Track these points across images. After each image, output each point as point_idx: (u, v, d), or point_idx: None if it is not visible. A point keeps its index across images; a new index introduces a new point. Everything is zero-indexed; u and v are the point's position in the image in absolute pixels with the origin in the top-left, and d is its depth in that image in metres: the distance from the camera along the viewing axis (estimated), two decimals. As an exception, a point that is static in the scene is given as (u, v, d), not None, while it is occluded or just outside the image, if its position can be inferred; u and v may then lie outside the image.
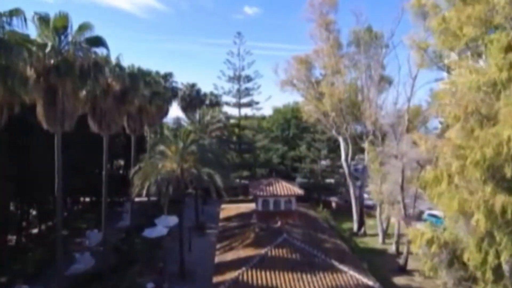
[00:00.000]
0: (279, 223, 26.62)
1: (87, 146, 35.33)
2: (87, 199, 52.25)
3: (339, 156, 50.04)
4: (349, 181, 37.23)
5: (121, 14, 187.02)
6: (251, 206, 33.06)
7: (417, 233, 16.44)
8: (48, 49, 17.22)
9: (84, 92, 23.64)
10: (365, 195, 48.17)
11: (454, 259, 16.03)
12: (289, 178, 50.48)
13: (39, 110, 18.38)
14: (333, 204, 50.10)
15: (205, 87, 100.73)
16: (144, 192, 26.24)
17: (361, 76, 37.57)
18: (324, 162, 49.90)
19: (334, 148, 48.76)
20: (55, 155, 19.54)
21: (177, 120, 75.92)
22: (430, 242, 15.97)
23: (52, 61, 17.75)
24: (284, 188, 28.66)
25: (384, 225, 35.52)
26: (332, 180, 49.91)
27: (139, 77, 27.92)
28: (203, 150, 28.65)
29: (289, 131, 61.21)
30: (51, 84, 17.69)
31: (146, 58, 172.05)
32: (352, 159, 61.82)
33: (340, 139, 37.69)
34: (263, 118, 60.73)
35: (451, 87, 17.58)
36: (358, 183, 41.95)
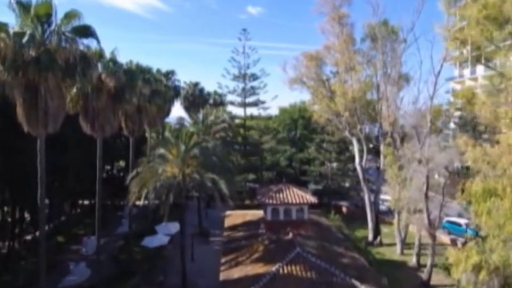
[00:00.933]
0: (290, 235, 24.12)
1: (86, 147, 33.47)
2: (87, 202, 50.04)
3: (350, 159, 47.59)
4: (364, 186, 34.60)
5: (124, 15, 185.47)
6: (259, 213, 30.54)
7: (460, 256, 13.78)
8: (25, 38, 14.77)
9: (74, 90, 21.33)
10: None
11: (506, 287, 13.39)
12: (298, 182, 47.89)
13: (19, 110, 15.94)
14: (344, 209, 47.51)
15: (209, 87, 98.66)
16: (142, 200, 23.82)
17: (376, 73, 34.93)
18: (334, 165, 47.19)
19: (344, 150, 46.19)
20: (38, 160, 17.08)
21: (180, 120, 73.59)
22: (477, 268, 13.33)
23: (32, 53, 15.29)
24: (296, 195, 26.08)
25: (403, 234, 32.85)
26: (344, 184, 47.22)
27: (136, 73, 25.44)
28: (207, 154, 26.13)
29: (296, 132, 58.68)
30: (31, 80, 15.24)
31: (150, 58, 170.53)
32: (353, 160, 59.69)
33: (354, 141, 35.06)
34: (270, 118, 58.14)
35: (495, 83, 14.89)
36: (372, 186, 39.30)
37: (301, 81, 38.20)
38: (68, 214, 48.97)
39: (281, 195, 26.11)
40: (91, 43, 17.49)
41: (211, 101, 67.04)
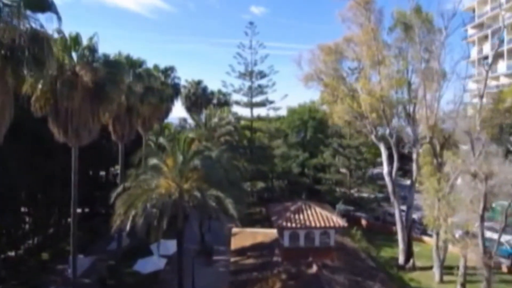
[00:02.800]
0: (314, 267, 19.25)
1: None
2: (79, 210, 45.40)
3: (370, 165, 42.75)
4: (394, 201, 29.56)
5: (128, 15, 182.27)
6: (271, 233, 25.65)
7: None
8: None
9: (39, 86, 16.50)
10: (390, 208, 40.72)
11: None
12: (312, 192, 42.99)
13: None
14: (363, 222, 42.52)
15: (213, 86, 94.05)
16: (128, 224, 18.98)
17: (407, 67, 29.93)
18: (353, 173, 42.08)
19: (364, 156, 41.24)
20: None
21: (182, 121, 68.66)
22: None
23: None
24: (320, 217, 21.12)
25: (441, 256, 27.79)
26: (363, 194, 42.17)
27: (121, 66, 20.54)
28: (210, 165, 21.23)
29: (306, 134, 53.78)
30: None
31: (153, 58, 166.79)
32: (374, 166, 54.34)
33: (382, 147, 30.06)
34: (279, 119, 53.20)
35: None
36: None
37: (318, 78, 33.21)
38: (57, 225, 44.65)
39: (301, 216, 21.18)
40: (50, 23, 12.55)
41: (214, 100, 62.36)
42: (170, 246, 30.06)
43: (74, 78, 17.37)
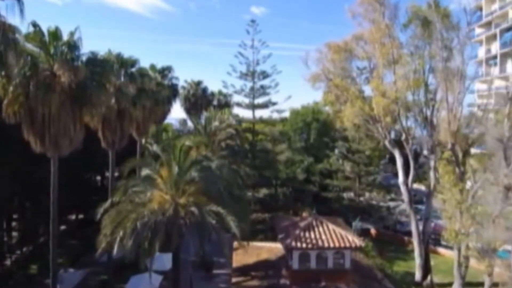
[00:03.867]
0: (328, 295, 16.85)
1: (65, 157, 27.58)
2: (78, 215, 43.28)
3: (380, 170, 40.38)
4: (410, 212, 27.14)
5: (128, 15, 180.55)
6: (276, 248, 23.32)
7: None
8: None
9: (10, 88, 14.12)
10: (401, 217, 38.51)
11: None
12: (318, 199, 40.56)
13: None
14: (372, 231, 40.12)
15: (213, 87, 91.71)
16: (115, 246, 16.59)
17: (424, 67, 27.52)
18: (362, 179, 39.54)
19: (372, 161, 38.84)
20: None
21: (183, 122, 66.16)
22: None
23: None
24: (333, 235, 18.71)
25: (462, 273, 25.36)
26: (372, 202, 39.72)
27: (107, 65, 18.06)
28: (209, 177, 18.80)
29: (309, 137, 51.35)
30: None
31: (153, 59, 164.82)
32: (385, 171, 51.91)
33: (396, 154, 27.63)
34: (281, 121, 50.80)
35: None
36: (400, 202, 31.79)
37: (327, 78, 30.78)
38: (48, 233, 42.38)
39: (312, 234, 18.76)
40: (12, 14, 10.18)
41: (215, 102, 59.82)
42: (166, 260, 27.49)
43: (51, 79, 14.97)
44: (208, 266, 31.58)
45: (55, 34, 15.82)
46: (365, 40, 31.33)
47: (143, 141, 41.29)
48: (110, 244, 17.17)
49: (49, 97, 14.72)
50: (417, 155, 27.68)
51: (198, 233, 17.86)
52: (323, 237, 18.60)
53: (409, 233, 38.92)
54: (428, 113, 27.52)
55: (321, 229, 19.12)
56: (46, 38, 15.96)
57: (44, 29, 15.74)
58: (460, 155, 24.13)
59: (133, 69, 23.57)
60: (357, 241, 18.50)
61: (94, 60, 16.51)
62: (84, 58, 16.12)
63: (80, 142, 16.57)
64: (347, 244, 18.29)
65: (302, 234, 18.76)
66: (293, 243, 18.30)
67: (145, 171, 19.94)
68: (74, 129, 15.69)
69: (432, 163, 27.21)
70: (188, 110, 57.24)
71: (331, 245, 18.21)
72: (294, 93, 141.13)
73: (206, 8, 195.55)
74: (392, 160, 69.13)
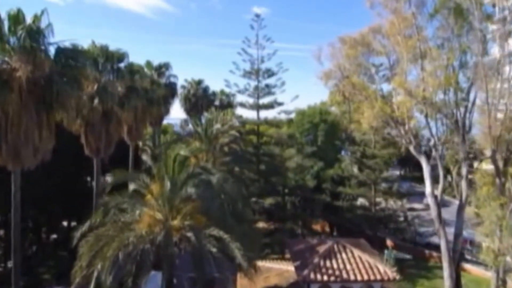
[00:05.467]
0: None
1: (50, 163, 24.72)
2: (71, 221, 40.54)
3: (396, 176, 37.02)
4: (440, 228, 23.68)
5: (130, 16, 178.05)
6: (287, 271, 20.00)
7: None
8: None
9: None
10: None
11: None
12: (329, 209, 37.33)
13: None
14: (389, 243, 36.79)
15: (215, 87, 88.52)
16: (93, 283, 13.35)
17: (452, 62, 24.11)
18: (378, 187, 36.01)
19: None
20: None
21: (184, 123, 62.80)
22: None
23: None
24: (360, 264, 15.39)
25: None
26: (390, 212, 36.30)
27: (82, 57, 14.56)
28: (209, 193, 15.54)
29: (316, 139, 48.13)
30: None
31: (154, 60, 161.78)
32: (404, 178, 48.51)
33: (423, 161, 24.23)
34: (287, 122, 47.62)
35: None
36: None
37: (342, 75, 27.41)
38: (37, 243, 39.44)
39: (334, 263, 15.43)
40: None
41: (217, 102, 56.66)
42: (161, 280, 24.31)
43: (9, 74, 11.70)
44: (209, 285, 28.29)
45: (17, 18, 12.54)
46: (382, 34, 28.16)
47: (141, 144, 38.17)
48: (86, 279, 14.00)
49: (6, 96, 11.46)
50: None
51: (194, 265, 14.62)
52: (348, 266, 15.29)
53: (429, 246, 35.63)
54: (458, 115, 24.13)
55: (344, 256, 15.80)
56: (6, 23, 12.70)
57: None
58: (501, 164, 20.77)
59: (121, 65, 20.27)
60: (389, 272, 15.15)
61: (65, 52, 13.21)
62: (52, 49, 12.85)
63: (49, 152, 13.26)
64: (378, 276, 14.96)
65: (322, 263, 15.44)
66: (312, 275, 14.97)
67: (131, 187, 16.73)
68: (40, 136, 12.44)
69: (464, 172, 23.84)
70: (188, 111, 53.97)
71: (358, 277, 14.90)
72: (299, 94, 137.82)
73: (207, 8, 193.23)
74: (401, 163, 65.32)
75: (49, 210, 35.12)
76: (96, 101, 17.84)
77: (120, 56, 19.96)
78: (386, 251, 25.63)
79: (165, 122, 53.83)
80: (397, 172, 57.28)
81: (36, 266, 34.85)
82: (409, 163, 59.74)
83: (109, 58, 19.25)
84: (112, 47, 19.41)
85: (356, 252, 15.97)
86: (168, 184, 15.02)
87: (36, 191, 28.90)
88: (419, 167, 58.96)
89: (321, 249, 16.38)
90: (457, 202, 26.61)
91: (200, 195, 15.16)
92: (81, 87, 14.33)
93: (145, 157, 17.36)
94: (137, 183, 15.89)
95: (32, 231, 38.22)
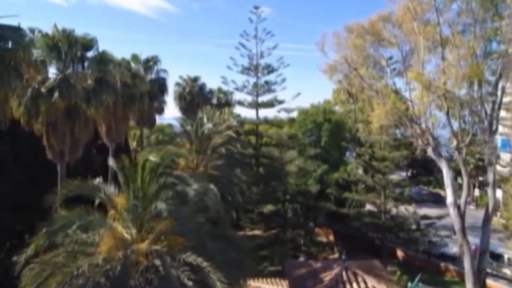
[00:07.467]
0: None
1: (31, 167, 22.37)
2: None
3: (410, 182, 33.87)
4: (463, 243, 20.45)
5: (132, 16, 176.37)
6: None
7: None
8: None
9: None
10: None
11: None
12: (333, 218, 34.26)
13: None
14: (399, 253, 33.62)
15: (212, 85, 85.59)
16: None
17: (475, 52, 20.93)
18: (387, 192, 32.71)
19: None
20: None
21: (183, 122, 59.93)
22: None
23: None
24: (375, 297, 12.25)
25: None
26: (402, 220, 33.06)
27: (21, 35, 11.46)
28: (184, 209, 12.44)
29: (319, 140, 45.17)
30: None
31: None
32: (415, 183, 45.21)
33: (444, 166, 20.98)
34: (288, 121, 44.76)
35: None
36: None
37: (350, 67, 24.29)
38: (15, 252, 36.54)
39: (343, 296, 12.33)
40: None
41: (214, 100, 53.88)
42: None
43: None
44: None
45: None
46: (393, 23, 25.12)
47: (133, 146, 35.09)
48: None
49: None
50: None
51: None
52: (360, 301, 12.16)
53: (443, 256, 32.62)
54: (483, 111, 20.91)
55: (355, 286, 12.63)
56: None
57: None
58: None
59: (90, 53, 17.22)
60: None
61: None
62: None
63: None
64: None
65: (328, 295, 12.32)
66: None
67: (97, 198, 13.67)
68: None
69: (490, 178, 20.64)
70: (184, 110, 50.98)
71: (374, 315, 11.78)
72: (304, 89, 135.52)
73: (209, 8, 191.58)
74: (407, 164, 61.29)
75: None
76: (56, 95, 14.86)
77: (87, 43, 16.75)
78: (409, 284, 22.19)
79: (165, 122, 50.94)
80: (403, 174, 54.07)
81: (10, 281, 31.97)
82: (415, 165, 56.32)
83: (72, 45, 16.17)
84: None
85: (370, 282, 12.82)
86: (131, 197, 11.99)
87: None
88: (426, 169, 55.15)
89: (327, 276, 13.23)
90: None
91: (172, 213, 12.06)
92: (21, 75, 11.33)
93: (110, 163, 14.43)
94: (98, 195, 12.85)
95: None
